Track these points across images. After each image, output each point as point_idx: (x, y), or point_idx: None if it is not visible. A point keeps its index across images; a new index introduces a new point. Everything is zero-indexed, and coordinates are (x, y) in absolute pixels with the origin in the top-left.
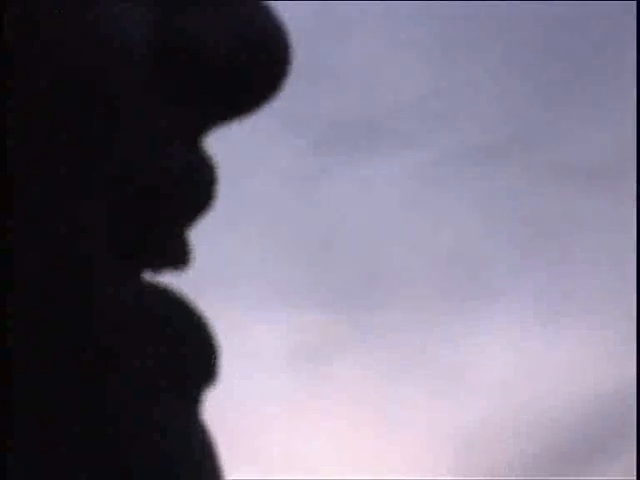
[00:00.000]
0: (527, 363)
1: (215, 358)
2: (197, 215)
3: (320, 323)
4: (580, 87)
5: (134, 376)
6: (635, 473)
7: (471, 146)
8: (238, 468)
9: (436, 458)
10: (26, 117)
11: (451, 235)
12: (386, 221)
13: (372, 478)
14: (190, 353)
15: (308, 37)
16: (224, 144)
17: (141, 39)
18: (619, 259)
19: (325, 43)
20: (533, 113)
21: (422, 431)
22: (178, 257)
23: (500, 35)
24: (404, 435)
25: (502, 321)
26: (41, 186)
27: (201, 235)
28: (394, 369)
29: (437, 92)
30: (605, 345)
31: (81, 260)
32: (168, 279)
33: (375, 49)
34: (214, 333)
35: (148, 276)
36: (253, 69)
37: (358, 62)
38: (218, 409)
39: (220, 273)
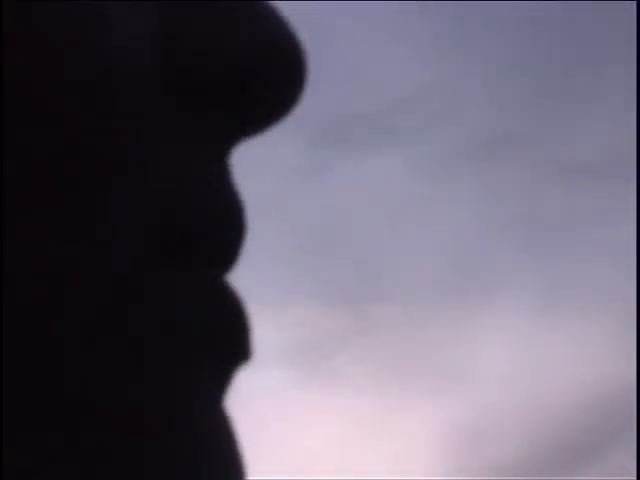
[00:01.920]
0: (526, 359)
1: (251, 336)
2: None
3: (319, 318)
4: (579, 85)
5: (173, 345)
6: (635, 468)
7: (470, 142)
8: None
9: (435, 452)
10: (32, 131)
11: (450, 230)
12: (386, 216)
13: (370, 476)
14: (231, 329)
15: (307, 32)
16: None
17: (146, 53)
18: (618, 255)
19: (324, 39)
20: (532, 110)
21: (422, 425)
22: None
23: (500, 32)
24: (404, 429)
25: (501, 317)
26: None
27: None
28: (393, 364)
29: (437, 88)
30: (604, 341)
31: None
32: None
33: (375, 45)
34: (248, 312)
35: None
36: (272, 81)
37: (358, 58)
38: None
39: None
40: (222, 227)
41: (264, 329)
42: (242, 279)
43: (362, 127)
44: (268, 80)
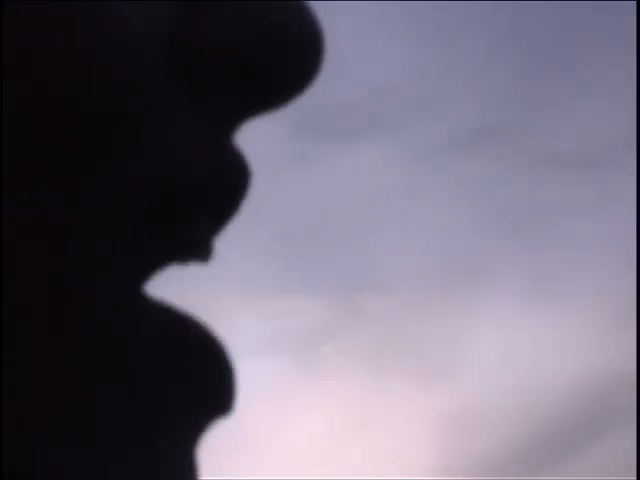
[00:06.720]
0: (513, 350)
1: (233, 389)
2: (226, 216)
3: (305, 308)
4: (562, 77)
5: (142, 396)
6: (636, 456)
7: (454, 132)
8: (221, 456)
9: (422, 442)
10: (38, 118)
11: (435, 221)
12: (370, 206)
13: (356, 466)
14: (207, 379)
15: None
16: None
17: (157, 37)
18: (603, 244)
19: None
20: (516, 101)
21: (409, 415)
22: (199, 255)
23: (484, 23)
24: (390, 419)
25: (488, 307)
26: (57, 185)
27: None
28: (380, 354)
29: (421, 78)
30: (590, 332)
31: (92, 263)
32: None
33: (358, 34)
34: (232, 361)
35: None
36: (281, 66)
37: (340, 47)
38: None
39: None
40: (221, 195)
41: (250, 319)
42: (229, 269)
43: (345, 117)
44: (276, 65)
